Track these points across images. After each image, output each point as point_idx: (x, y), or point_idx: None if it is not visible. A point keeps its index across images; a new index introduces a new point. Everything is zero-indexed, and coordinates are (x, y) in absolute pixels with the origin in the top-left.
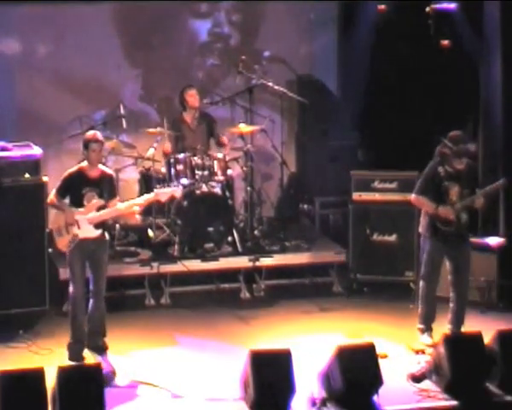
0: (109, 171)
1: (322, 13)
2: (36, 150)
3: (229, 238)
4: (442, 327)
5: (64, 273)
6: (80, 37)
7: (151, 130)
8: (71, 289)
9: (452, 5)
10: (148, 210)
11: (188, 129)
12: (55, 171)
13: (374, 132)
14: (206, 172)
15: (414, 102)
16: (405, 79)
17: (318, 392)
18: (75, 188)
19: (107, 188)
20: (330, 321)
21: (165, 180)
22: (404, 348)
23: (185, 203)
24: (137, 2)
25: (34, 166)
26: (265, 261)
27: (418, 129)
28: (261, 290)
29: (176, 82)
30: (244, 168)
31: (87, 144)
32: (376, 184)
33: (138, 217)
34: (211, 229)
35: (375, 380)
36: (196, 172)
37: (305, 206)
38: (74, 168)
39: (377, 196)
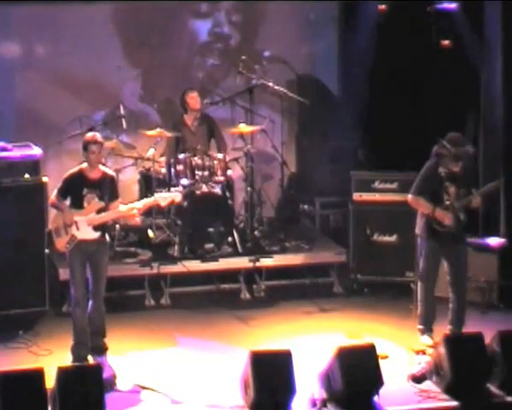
0: (111, 172)
1: (323, 13)
2: (36, 151)
3: (230, 239)
4: (442, 328)
5: (64, 274)
6: (80, 37)
7: (150, 132)
8: (72, 290)
9: (453, 5)
10: (148, 211)
11: (188, 131)
12: (54, 171)
13: (374, 133)
14: (206, 173)
15: (414, 103)
16: (406, 79)
17: (319, 393)
18: (75, 189)
19: (107, 190)
20: (330, 322)
21: (166, 181)
22: (405, 349)
23: (185, 204)
24: (137, 3)
25: (34, 166)
26: (266, 262)
27: (418, 129)
28: (261, 291)
29: (176, 82)
30: (244, 169)
31: (86, 146)
32: (377, 185)
33: (138, 218)
34: (211, 229)
35: (376, 381)
36: (196, 172)
37: (306, 206)
38: (75, 169)
39: (377, 197)
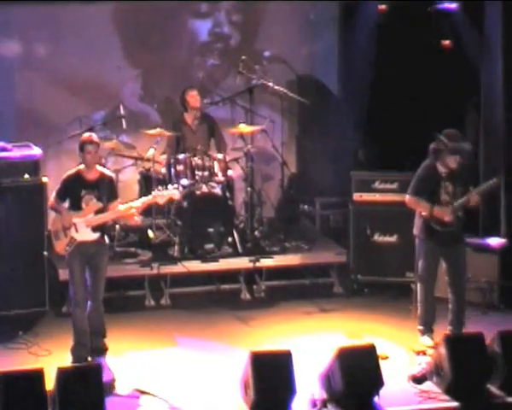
0: (109, 173)
1: (323, 13)
2: (35, 151)
3: (230, 239)
4: (443, 328)
5: (63, 274)
6: (80, 37)
7: (150, 132)
8: (71, 292)
9: (453, 5)
10: (147, 211)
11: (188, 130)
12: (54, 171)
13: (374, 133)
14: (206, 173)
15: (415, 103)
16: (406, 80)
17: (319, 393)
18: (73, 191)
19: (106, 190)
20: (331, 322)
21: (165, 181)
22: (405, 350)
23: (185, 204)
24: (137, 2)
25: (34, 166)
26: (266, 262)
27: (419, 129)
28: (261, 291)
29: (176, 82)
30: (244, 169)
31: (82, 146)
32: (377, 185)
33: (138, 218)
34: (211, 230)
35: (376, 381)
36: (196, 172)
37: (306, 206)
38: (72, 170)
39: (378, 197)
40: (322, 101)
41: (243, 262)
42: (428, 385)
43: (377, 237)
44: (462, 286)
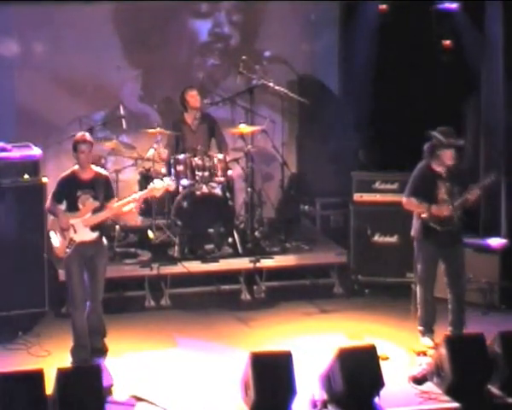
0: (104, 172)
1: (324, 13)
2: (35, 151)
3: (230, 239)
4: (443, 329)
5: (63, 275)
6: (80, 37)
7: (150, 130)
8: (69, 294)
9: (454, 5)
10: (147, 211)
11: (188, 130)
12: (54, 172)
13: (375, 133)
14: (206, 173)
15: (415, 103)
16: (407, 80)
17: (319, 394)
18: (69, 192)
19: (102, 189)
20: (331, 323)
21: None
22: (406, 350)
23: (185, 204)
24: (137, 2)
25: (33, 166)
26: (266, 263)
27: (419, 129)
28: (262, 292)
29: (176, 82)
30: (245, 169)
31: (76, 146)
32: (377, 185)
33: (138, 218)
34: (211, 230)
35: (376, 382)
36: (196, 172)
37: (306, 207)
38: (67, 172)
39: (378, 197)
40: (322, 101)
41: (243, 263)
42: (429, 386)
43: (378, 238)
44: (461, 286)
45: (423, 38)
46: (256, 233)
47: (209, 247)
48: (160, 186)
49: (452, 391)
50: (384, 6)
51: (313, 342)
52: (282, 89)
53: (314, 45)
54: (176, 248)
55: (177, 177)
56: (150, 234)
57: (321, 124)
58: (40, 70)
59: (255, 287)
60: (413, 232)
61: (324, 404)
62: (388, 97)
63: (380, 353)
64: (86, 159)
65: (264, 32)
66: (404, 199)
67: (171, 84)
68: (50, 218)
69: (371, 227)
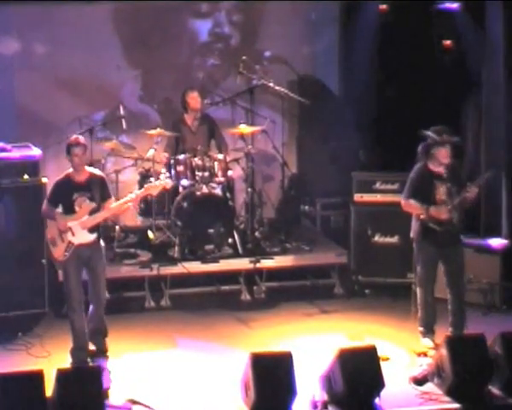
0: (99, 173)
1: (324, 13)
2: (35, 151)
3: (230, 240)
4: (444, 329)
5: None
6: (80, 37)
7: (150, 132)
8: (67, 296)
9: (454, 5)
10: (147, 211)
11: (188, 131)
12: (54, 172)
13: (375, 133)
14: (206, 174)
15: (416, 103)
16: (407, 80)
17: (319, 395)
18: (65, 195)
19: (98, 190)
20: (331, 323)
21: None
22: (406, 351)
23: (185, 204)
24: (137, 2)
25: (33, 167)
26: (266, 263)
27: (420, 130)
28: (262, 292)
29: (176, 82)
30: (245, 169)
31: (69, 149)
32: (378, 186)
33: (138, 218)
34: (211, 230)
35: (377, 383)
36: (197, 173)
37: (306, 207)
38: (62, 175)
39: (379, 198)
40: (322, 101)
41: (243, 263)
42: (429, 387)
43: (378, 238)
44: (460, 287)
45: (424, 38)
46: (256, 234)
47: (209, 247)
48: (156, 184)
49: (453, 392)
50: (384, 6)
51: (313, 343)
52: (282, 89)
53: (314, 45)
54: (176, 248)
55: (178, 177)
56: (150, 234)
57: (321, 124)
58: (40, 70)
59: (255, 287)
60: (412, 234)
61: (325, 405)
62: (389, 97)
63: (380, 353)
64: (80, 161)
65: (265, 32)
66: (402, 201)
67: (171, 85)
68: (48, 222)
69: (372, 228)
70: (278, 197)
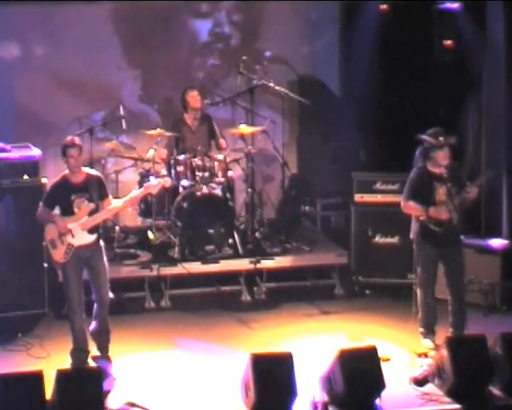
0: (95, 172)
1: (324, 13)
2: (35, 152)
3: (230, 240)
4: (445, 330)
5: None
6: (79, 37)
7: (150, 132)
8: (66, 298)
9: (455, 5)
10: (147, 212)
11: (188, 130)
12: (53, 172)
13: (376, 133)
14: (206, 174)
15: (416, 103)
16: (408, 80)
17: (320, 395)
18: (62, 197)
19: (95, 190)
20: (332, 324)
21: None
22: (407, 352)
23: (185, 205)
24: (137, 2)
25: (33, 167)
26: (266, 264)
27: (420, 130)
28: (262, 293)
29: (176, 82)
30: (245, 170)
31: (64, 150)
32: (378, 186)
33: (138, 219)
34: (211, 231)
35: (378, 383)
36: (197, 173)
37: (307, 207)
38: (58, 178)
39: (379, 198)
40: (323, 101)
41: (244, 264)
42: (430, 387)
43: (378, 239)
44: (460, 287)
45: (424, 39)
46: (256, 234)
47: (209, 248)
48: (155, 183)
49: (453, 393)
50: (385, 6)
51: (314, 344)
52: (282, 89)
53: (314, 45)
54: (176, 249)
55: (178, 177)
56: (150, 235)
57: (321, 124)
58: (40, 70)
59: (255, 288)
60: (412, 235)
61: (325, 406)
62: (389, 98)
63: (381, 354)
64: (76, 162)
65: (265, 32)
66: (401, 203)
67: (171, 85)
68: (46, 228)
69: (372, 228)
70: (278, 198)
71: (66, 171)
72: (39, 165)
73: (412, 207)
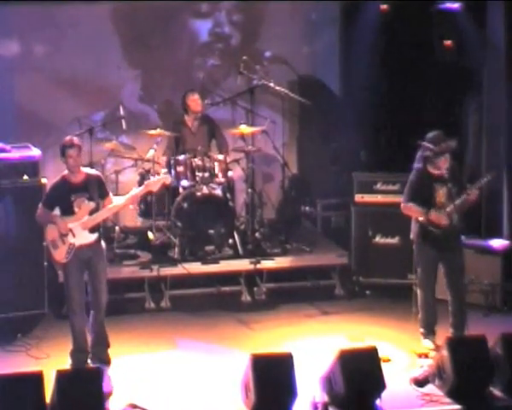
0: (94, 172)
1: (324, 13)
2: (35, 152)
3: (230, 241)
4: (445, 331)
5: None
6: (79, 37)
7: (150, 132)
8: (67, 298)
9: (456, 5)
10: (147, 212)
11: (189, 131)
12: (53, 173)
13: (376, 133)
14: (206, 174)
15: (417, 103)
16: (408, 80)
17: (320, 396)
18: (63, 198)
19: (95, 189)
20: (332, 324)
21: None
22: (407, 352)
23: (185, 205)
24: (137, 2)
25: (33, 167)
26: (267, 264)
27: (421, 130)
28: (262, 293)
29: (176, 83)
30: (245, 170)
31: (63, 150)
32: (379, 186)
33: (138, 219)
34: (211, 231)
35: (378, 384)
36: (197, 173)
37: (307, 208)
38: (57, 178)
39: (379, 198)
40: (323, 101)
41: (244, 264)
42: (430, 388)
43: (379, 239)
44: (461, 288)
45: (424, 38)
46: (256, 234)
47: (209, 248)
48: (155, 180)
49: (454, 393)
50: (385, 6)
51: (314, 344)
52: (282, 89)
53: (315, 45)
54: (176, 249)
55: (178, 178)
56: (150, 235)
57: (322, 124)
58: (40, 70)
59: (256, 288)
60: (412, 235)
61: (325, 406)
62: (389, 98)
63: (381, 355)
64: (75, 163)
65: (265, 32)
66: (402, 204)
67: (171, 85)
68: (47, 228)
69: (372, 228)
70: (278, 198)
71: (66, 171)
72: (39, 165)
73: (412, 210)
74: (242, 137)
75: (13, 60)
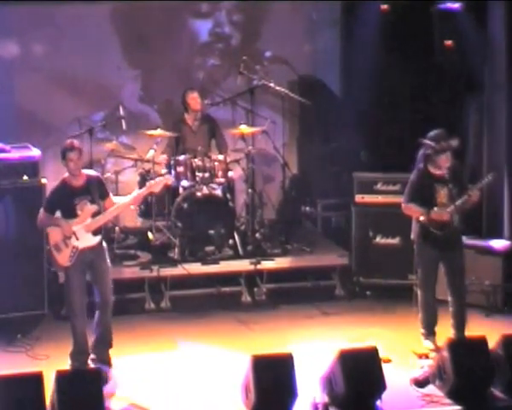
0: (94, 173)
1: (325, 13)
2: (34, 152)
3: (230, 241)
4: (446, 331)
5: (63, 277)
6: (79, 37)
7: (150, 132)
8: (68, 301)
9: (456, 5)
10: (147, 212)
11: (189, 131)
12: (53, 173)
13: (377, 134)
14: (206, 174)
15: (417, 103)
16: (408, 80)
17: (320, 397)
18: (64, 201)
19: (96, 191)
20: (332, 325)
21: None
22: (407, 353)
23: (185, 206)
24: (137, 2)
25: (33, 167)
26: (267, 264)
27: (421, 130)
28: (262, 294)
29: (176, 83)
30: (245, 170)
31: (64, 154)
32: (379, 187)
33: (138, 219)
34: (211, 232)
35: (378, 385)
36: (197, 174)
37: (307, 208)
38: (57, 182)
39: (380, 199)
40: (323, 101)
41: (244, 264)
42: (431, 389)
43: (379, 239)
44: (461, 288)
45: (425, 39)
46: (257, 235)
47: (209, 248)
48: (157, 181)
49: (454, 394)
50: (385, 6)
51: (314, 345)
52: (282, 89)
53: (315, 45)
54: (176, 249)
55: (178, 178)
56: (150, 236)
57: (322, 124)
58: (40, 70)
59: (256, 289)
60: (413, 236)
61: (325, 407)
62: (390, 98)
63: (381, 355)
64: (76, 166)
65: (265, 32)
66: (402, 204)
67: (171, 85)
68: (49, 232)
69: (373, 229)
70: (279, 198)
71: (66, 174)
72: (39, 165)
73: (413, 210)
74: (242, 137)
75: (13, 60)
